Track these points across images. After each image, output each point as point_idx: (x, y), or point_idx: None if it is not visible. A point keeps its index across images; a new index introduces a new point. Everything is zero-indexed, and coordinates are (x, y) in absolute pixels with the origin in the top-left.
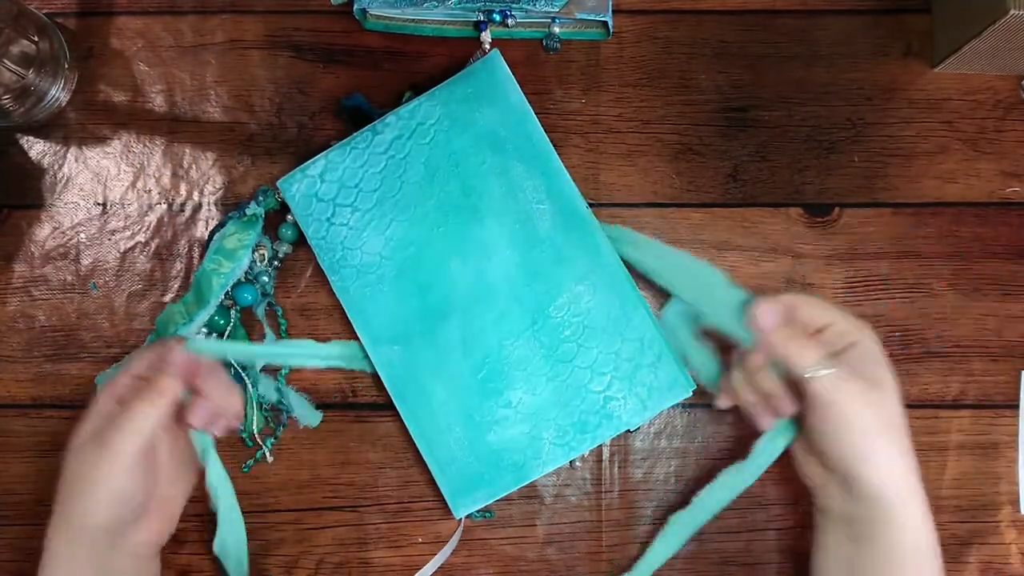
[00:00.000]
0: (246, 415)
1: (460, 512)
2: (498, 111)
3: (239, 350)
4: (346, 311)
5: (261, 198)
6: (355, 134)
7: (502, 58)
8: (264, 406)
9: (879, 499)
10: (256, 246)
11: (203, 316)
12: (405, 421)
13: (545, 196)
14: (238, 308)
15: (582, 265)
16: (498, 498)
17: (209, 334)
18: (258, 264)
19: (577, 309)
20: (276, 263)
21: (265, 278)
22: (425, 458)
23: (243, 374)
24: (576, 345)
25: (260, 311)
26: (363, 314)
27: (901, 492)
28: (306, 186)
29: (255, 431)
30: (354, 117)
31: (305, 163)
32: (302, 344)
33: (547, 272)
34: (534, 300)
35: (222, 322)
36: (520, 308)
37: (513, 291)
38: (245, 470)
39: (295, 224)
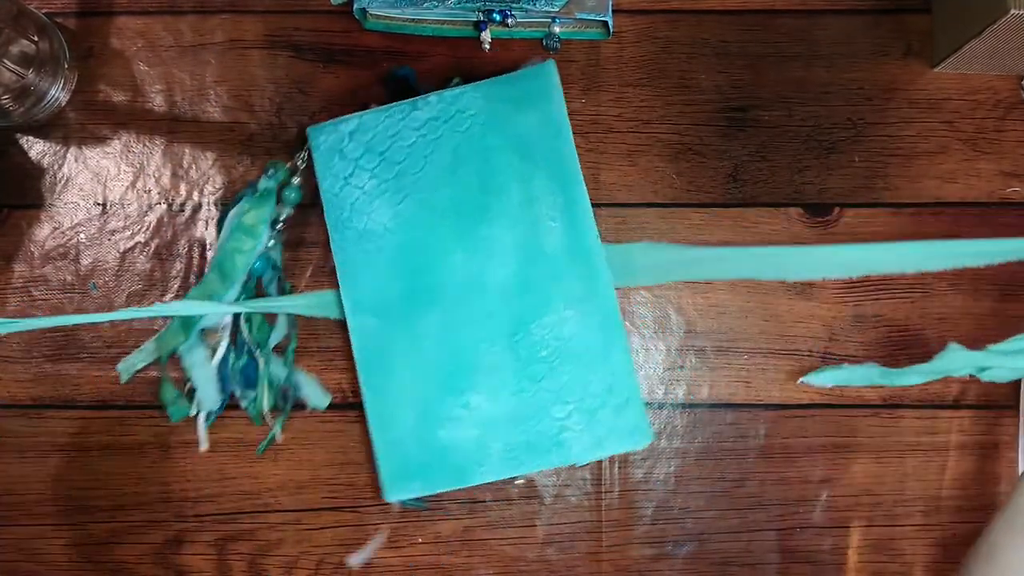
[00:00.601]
0: (256, 395)
1: (391, 496)
2: (538, 120)
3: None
4: (337, 271)
5: (272, 171)
6: (395, 103)
7: (556, 70)
8: (274, 385)
9: None
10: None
11: (231, 295)
12: (363, 394)
13: (559, 214)
14: (254, 280)
15: (577, 291)
16: (431, 493)
17: (237, 316)
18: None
19: (560, 332)
20: (278, 226)
21: (272, 243)
22: (372, 435)
23: (257, 351)
24: (548, 367)
25: (273, 289)
26: (353, 278)
27: None
28: (334, 140)
29: (266, 410)
30: (397, 89)
31: (339, 118)
32: (271, 299)
33: (541, 288)
34: (521, 312)
35: (244, 298)
36: (505, 316)
37: (503, 297)
38: (259, 452)
39: (299, 187)
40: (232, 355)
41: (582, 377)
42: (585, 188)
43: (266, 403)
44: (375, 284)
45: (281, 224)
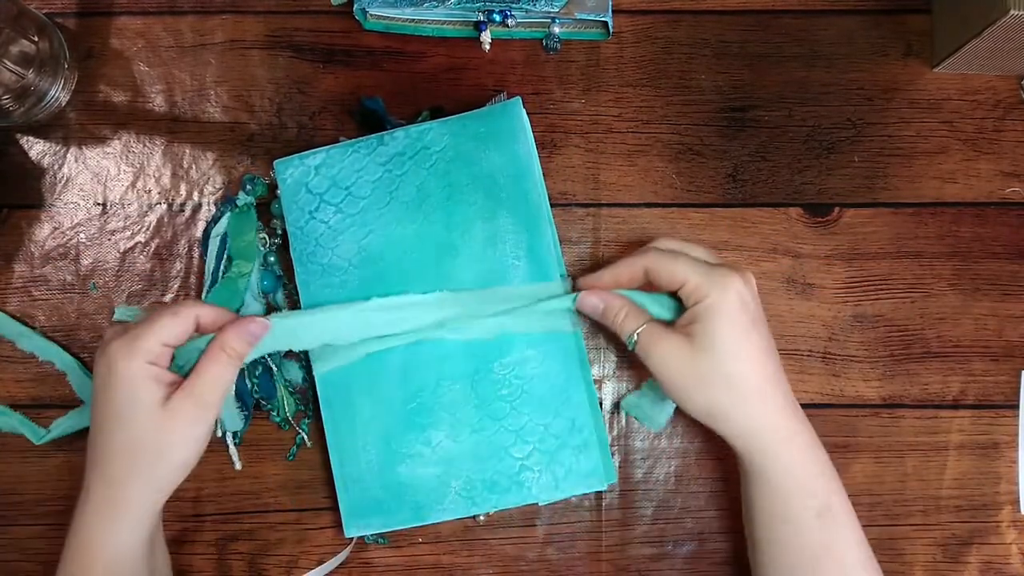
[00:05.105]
0: (277, 400)
1: (351, 532)
2: (504, 158)
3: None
4: (302, 306)
5: (249, 187)
6: (361, 138)
7: (522, 107)
8: (291, 389)
9: (743, 437)
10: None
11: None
12: (325, 429)
13: (524, 254)
14: (262, 294)
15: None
16: (390, 530)
17: None
18: (262, 248)
19: (521, 372)
20: (277, 240)
21: (272, 258)
22: (333, 470)
23: (268, 359)
24: (509, 406)
25: (280, 297)
26: None
27: (761, 433)
28: (300, 173)
29: (288, 415)
30: (367, 120)
31: (306, 152)
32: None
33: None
34: (483, 351)
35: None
36: (467, 354)
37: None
38: (290, 458)
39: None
40: (246, 369)
41: (542, 417)
42: (551, 228)
43: (287, 408)
44: None
45: (278, 238)
